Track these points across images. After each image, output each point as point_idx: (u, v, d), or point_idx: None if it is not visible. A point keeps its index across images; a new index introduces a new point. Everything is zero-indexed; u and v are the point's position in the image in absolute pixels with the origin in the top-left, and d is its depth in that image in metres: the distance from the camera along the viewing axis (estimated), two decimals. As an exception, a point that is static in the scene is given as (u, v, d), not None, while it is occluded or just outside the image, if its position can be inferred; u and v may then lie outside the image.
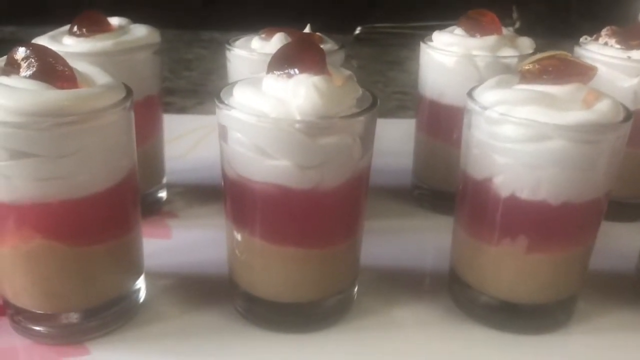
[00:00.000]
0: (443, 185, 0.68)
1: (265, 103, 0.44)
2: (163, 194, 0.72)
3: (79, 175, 0.44)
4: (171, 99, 1.10)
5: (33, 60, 0.44)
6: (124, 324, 0.51)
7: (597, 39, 0.69)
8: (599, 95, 0.48)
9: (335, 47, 0.65)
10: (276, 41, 0.62)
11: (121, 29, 0.64)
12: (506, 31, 0.68)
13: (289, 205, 0.46)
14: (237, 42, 0.66)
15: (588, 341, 0.52)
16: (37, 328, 0.49)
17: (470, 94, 0.49)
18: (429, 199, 0.72)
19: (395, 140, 0.84)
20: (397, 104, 1.14)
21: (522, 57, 0.64)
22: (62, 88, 0.44)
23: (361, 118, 0.45)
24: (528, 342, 0.51)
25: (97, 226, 0.47)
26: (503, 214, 0.48)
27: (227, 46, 0.65)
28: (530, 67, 0.48)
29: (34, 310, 0.48)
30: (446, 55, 0.65)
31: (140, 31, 0.64)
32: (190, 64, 1.36)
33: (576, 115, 0.44)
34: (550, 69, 0.47)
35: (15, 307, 0.49)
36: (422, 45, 0.68)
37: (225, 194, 0.50)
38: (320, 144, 0.44)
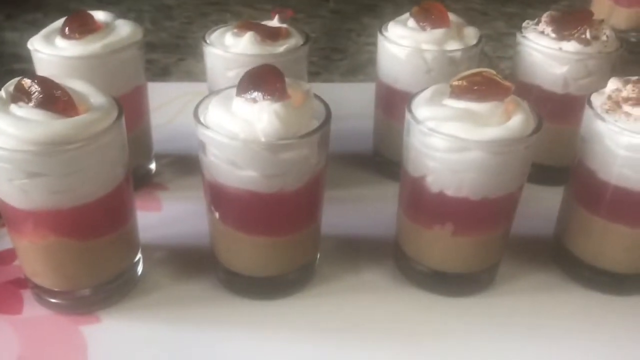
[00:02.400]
0: (400, 158, 0.77)
1: (236, 125, 0.53)
2: (152, 166, 0.82)
3: (83, 187, 0.53)
4: (153, 55, 1.17)
5: (38, 91, 0.52)
6: (127, 294, 0.62)
7: (537, 24, 0.77)
8: (515, 107, 0.57)
9: (301, 41, 0.73)
10: (246, 41, 0.69)
11: (107, 27, 0.71)
12: (453, 17, 0.76)
13: (257, 205, 0.56)
14: (213, 36, 0.73)
15: (508, 301, 0.63)
16: (55, 301, 0.60)
17: (409, 107, 0.58)
18: (388, 167, 0.81)
19: (358, 103, 0.91)
20: (368, 57, 1.20)
21: (466, 50, 0.72)
22: (64, 114, 0.52)
23: (317, 134, 0.55)
24: (456, 303, 0.63)
25: (100, 223, 0.57)
26: (434, 206, 0.59)
27: (204, 42, 0.72)
28: (459, 83, 0.57)
29: (51, 288, 0.59)
30: (399, 47, 0.73)
31: (124, 30, 0.70)
32: (171, 11, 1.41)
33: (491, 132, 0.54)
34: (475, 87, 0.56)
35: (34, 283, 0.60)
36: (379, 36, 0.76)
37: (205, 191, 0.60)
38: (281, 158, 0.53)
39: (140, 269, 0.65)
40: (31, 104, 0.52)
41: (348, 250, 0.70)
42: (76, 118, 0.52)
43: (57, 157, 0.51)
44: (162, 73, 1.11)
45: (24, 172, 0.51)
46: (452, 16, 0.76)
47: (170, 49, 1.21)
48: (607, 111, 0.58)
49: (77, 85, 0.57)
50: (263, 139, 0.52)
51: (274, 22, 0.75)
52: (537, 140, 0.56)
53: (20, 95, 0.53)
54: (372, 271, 0.67)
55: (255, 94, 0.54)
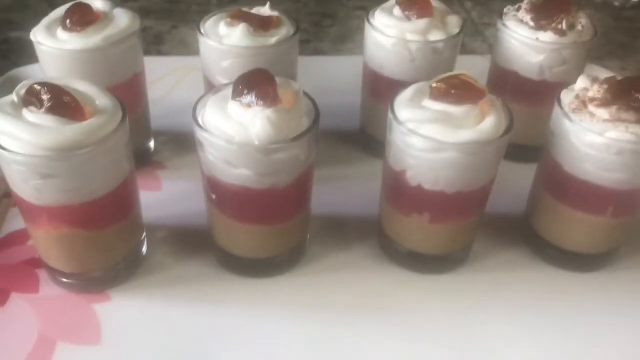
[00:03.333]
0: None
1: (231, 129, 0.58)
2: (151, 144, 0.86)
3: (93, 185, 0.58)
4: (147, 22, 1.19)
5: (48, 98, 0.57)
6: (134, 273, 0.68)
7: (518, 10, 0.81)
8: (490, 107, 0.61)
9: (292, 31, 0.76)
10: (240, 33, 0.72)
11: (106, 17, 0.74)
12: (437, 4, 0.79)
13: (251, 198, 0.61)
14: (207, 25, 0.76)
15: (480, 278, 0.69)
16: (68, 281, 0.66)
17: (391, 107, 0.63)
18: (375, 145, 0.85)
19: (347, 78, 0.94)
20: (357, 23, 1.23)
21: (449, 40, 0.76)
22: (73, 118, 0.57)
23: (307, 136, 0.59)
24: (433, 280, 0.69)
25: (109, 215, 0.62)
26: (413, 197, 0.64)
27: (199, 33, 0.75)
28: (438, 85, 0.61)
29: (65, 271, 0.65)
30: (384, 37, 0.76)
31: (123, 21, 0.74)
32: (163, -29, 1.41)
33: (465, 134, 0.59)
34: (452, 91, 0.61)
35: (49, 265, 0.66)
36: (366, 23, 0.79)
37: (203, 182, 0.65)
38: (274, 159, 0.58)
39: (145, 249, 0.71)
40: (42, 110, 0.57)
41: (336, 230, 0.75)
42: (84, 124, 0.57)
43: (68, 161, 0.56)
44: (156, 42, 1.13)
45: (38, 174, 0.56)
46: (435, 3, 0.79)
47: (163, 15, 1.22)
48: (574, 110, 0.63)
49: (82, 87, 0.61)
50: (257, 143, 0.57)
51: (266, 9, 0.78)
52: (508, 140, 0.61)
53: (32, 99, 0.58)
54: (357, 250, 0.73)
55: (249, 99, 0.58)
